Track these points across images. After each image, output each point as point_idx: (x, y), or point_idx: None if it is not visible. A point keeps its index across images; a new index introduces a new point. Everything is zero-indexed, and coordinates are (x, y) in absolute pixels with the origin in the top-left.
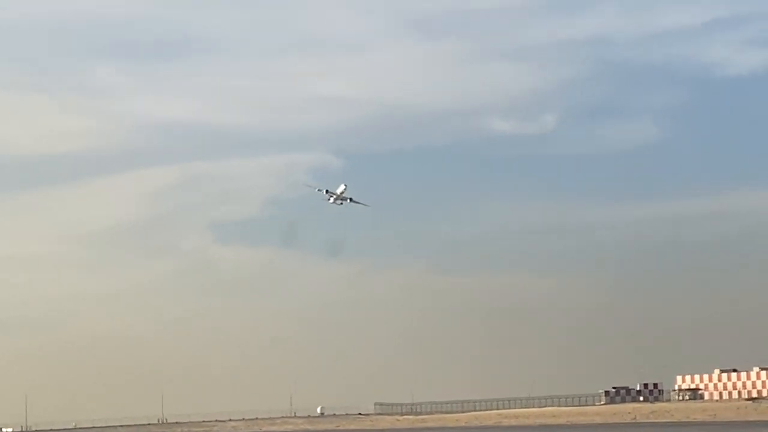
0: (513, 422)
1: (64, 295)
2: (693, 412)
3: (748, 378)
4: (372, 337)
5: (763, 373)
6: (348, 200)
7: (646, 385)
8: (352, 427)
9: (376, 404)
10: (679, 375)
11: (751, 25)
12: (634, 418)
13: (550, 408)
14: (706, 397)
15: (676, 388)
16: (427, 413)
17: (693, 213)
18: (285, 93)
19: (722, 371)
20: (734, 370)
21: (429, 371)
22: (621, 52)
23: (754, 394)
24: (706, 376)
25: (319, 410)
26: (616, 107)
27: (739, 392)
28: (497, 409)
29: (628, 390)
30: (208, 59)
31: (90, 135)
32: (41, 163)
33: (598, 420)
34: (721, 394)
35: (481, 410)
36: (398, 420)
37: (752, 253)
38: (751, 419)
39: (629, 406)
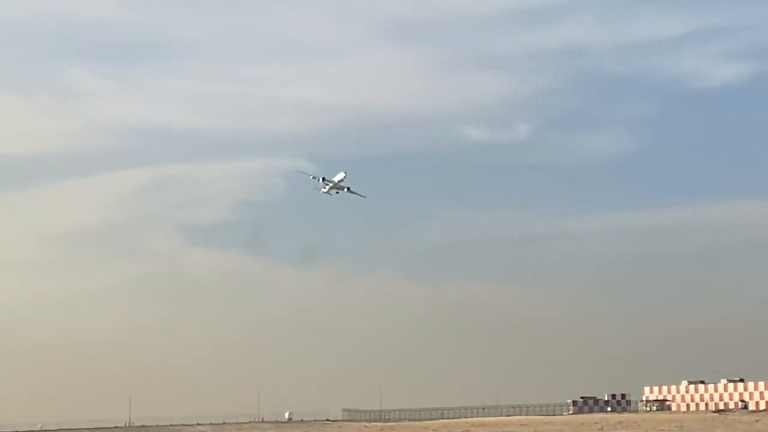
0: (481, 430)
1: (32, 297)
2: (660, 423)
3: (716, 390)
4: (341, 344)
5: (731, 385)
6: (345, 189)
7: (613, 396)
8: None
9: (344, 410)
10: (647, 386)
11: (726, 38)
12: (602, 428)
13: (518, 417)
14: (674, 408)
15: (644, 398)
16: (395, 420)
17: (666, 224)
18: (259, 98)
19: (690, 383)
20: (702, 382)
21: (398, 378)
22: (596, 62)
23: (721, 406)
24: (674, 388)
25: (287, 416)
26: (590, 117)
27: (707, 404)
28: (465, 417)
29: (596, 400)
30: (183, 63)
31: (61, 137)
32: (11, 165)
33: (565, 429)
34: (688, 405)
35: (449, 418)
36: (366, 427)
37: (723, 264)
38: (717, 431)
39: (597, 416)
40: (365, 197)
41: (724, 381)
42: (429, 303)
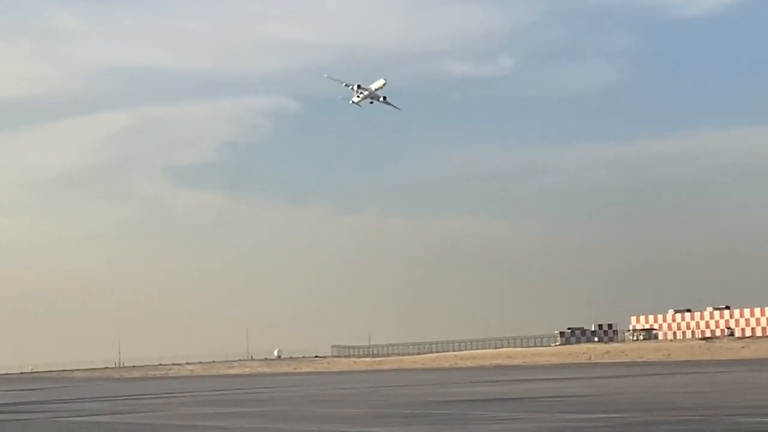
0: (469, 363)
1: (18, 240)
2: (647, 352)
3: (702, 318)
4: (328, 282)
5: (717, 313)
6: (381, 99)
7: (600, 326)
8: (309, 369)
9: (332, 347)
10: (634, 316)
11: None
12: (589, 359)
13: (506, 349)
14: (660, 337)
15: (631, 328)
16: (383, 356)
17: (649, 155)
18: (240, 36)
19: (676, 311)
20: (688, 311)
21: (386, 314)
22: None
23: (708, 334)
24: (660, 317)
25: (276, 353)
26: (573, 50)
27: (693, 332)
28: (453, 350)
29: (583, 331)
30: (163, 2)
31: (42, 79)
32: None
33: (554, 360)
34: (675, 334)
35: (437, 352)
36: (354, 362)
37: (707, 194)
38: (704, 358)
39: (584, 347)
40: (399, 109)
41: (710, 309)
42: (414, 239)
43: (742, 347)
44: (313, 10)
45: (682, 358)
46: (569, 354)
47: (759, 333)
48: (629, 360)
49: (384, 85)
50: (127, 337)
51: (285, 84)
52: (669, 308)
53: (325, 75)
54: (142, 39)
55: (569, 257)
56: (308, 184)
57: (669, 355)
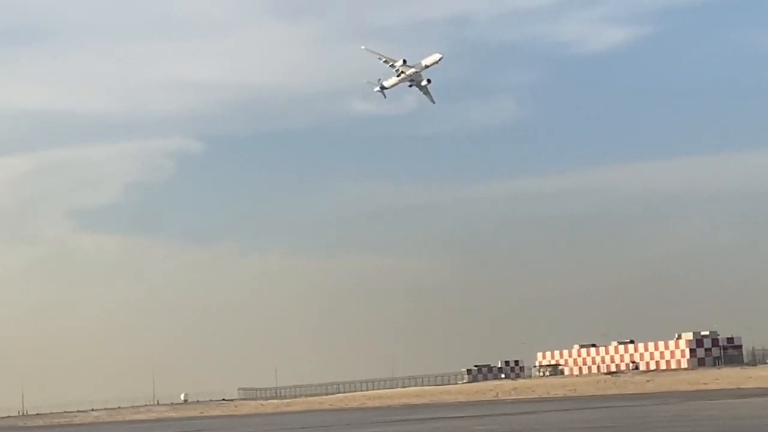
0: (377, 403)
1: None
2: (553, 387)
3: (607, 352)
4: (234, 323)
5: (621, 347)
6: (425, 83)
7: (507, 362)
8: (217, 412)
9: (239, 389)
10: (540, 352)
11: (607, 3)
12: (497, 395)
13: (413, 388)
14: (567, 372)
15: (537, 364)
16: (291, 397)
17: (552, 189)
18: (144, 77)
19: (581, 346)
20: (593, 345)
21: (292, 355)
22: (481, 31)
23: (613, 368)
24: (566, 352)
25: (182, 397)
26: (477, 87)
27: (599, 366)
28: (362, 390)
29: (489, 368)
30: (67, 44)
31: None
32: None
33: (461, 398)
34: (581, 369)
35: (345, 392)
36: (262, 405)
37: (610, 228)
38: (609, 393)
39: (491, 384)
40: (434, 103)
41: (614, 343)
42: (321, 277)
43: (647, 381)
44: (217, 50)
45: (588, 393)
46: (476, 391)
47: (663, 366)
48: (536, 396)
49: (440, 60)
50: (31, 384)
51: (189, 124)
52: (574, 343)
53: (363, 47)
54: (45, 81)
55: (474, 293)
56: (213, 225)
57: (575, 390)
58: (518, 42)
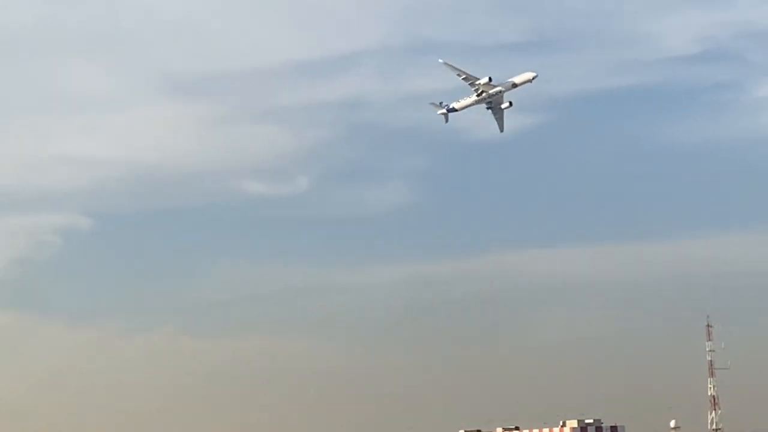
0: None
1: None
2: None
3: None
4: (114, 403)
5: None
6: (505, 105)
7: None
8: None
9: None
10: None
11: None
12: None
13: None
14: None
15: None
16: None
17: (443, 275)
18: (31, 152)
19: None
20: (478, 431)
21: None
22: (374, 115)
23: None
24: None
25: None
26: (369, 170)
27: None
28: None
29: None
30: None
31: None
32: None
33: None
34: None
35: None
36: None
37: (496, 312)
38: None
39: None
40: (502, 131)
41: (499, 429)
42: (206, 359)
43: None
44: (109, 126)
45: None
46: None
47: None
48: None
49: (533, 79)
50: None
51: (77, 200)
52: (459, 428)
53: (440, 60)
54: None
55: (360, 376)
56: (99, 303)
57: None
58: (409, 127)
